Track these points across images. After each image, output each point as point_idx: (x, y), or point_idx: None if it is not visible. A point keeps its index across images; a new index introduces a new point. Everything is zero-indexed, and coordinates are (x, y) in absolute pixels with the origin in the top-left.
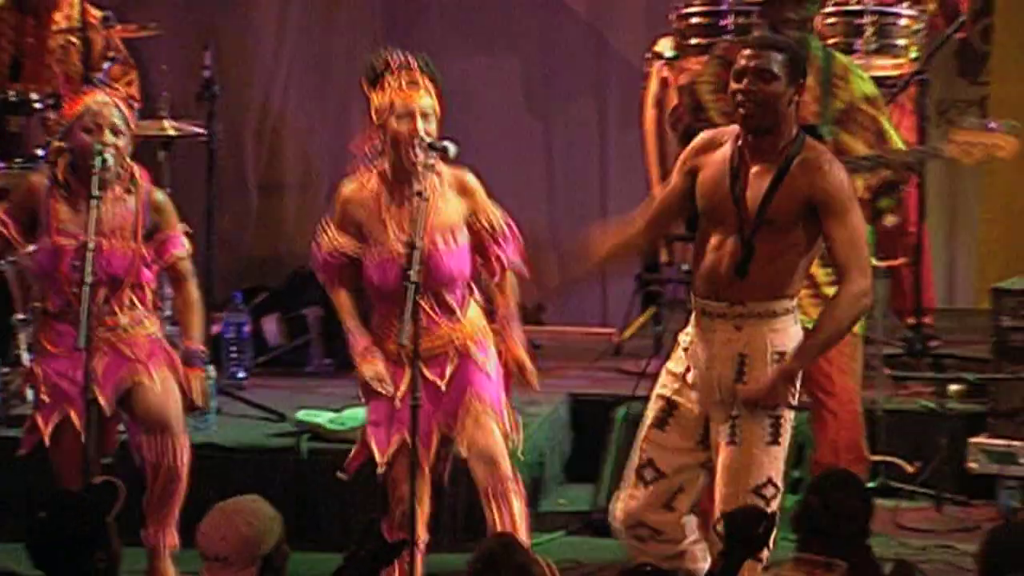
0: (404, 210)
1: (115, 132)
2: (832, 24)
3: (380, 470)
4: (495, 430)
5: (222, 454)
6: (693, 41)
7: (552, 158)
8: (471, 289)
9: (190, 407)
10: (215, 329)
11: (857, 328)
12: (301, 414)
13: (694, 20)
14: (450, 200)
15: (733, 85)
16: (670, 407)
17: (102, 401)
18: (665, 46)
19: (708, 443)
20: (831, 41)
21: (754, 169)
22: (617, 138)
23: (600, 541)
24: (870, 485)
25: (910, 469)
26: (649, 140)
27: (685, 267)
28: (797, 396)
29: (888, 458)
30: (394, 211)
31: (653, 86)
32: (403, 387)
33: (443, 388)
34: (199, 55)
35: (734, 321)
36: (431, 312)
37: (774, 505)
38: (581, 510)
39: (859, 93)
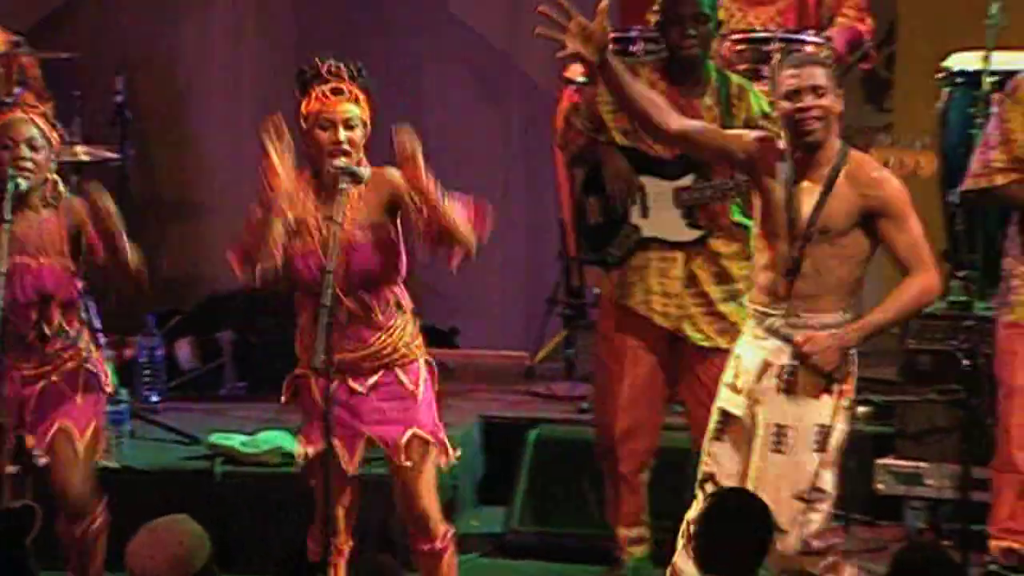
0: (329, 207)
1: (32, 147)
2: (740, 51)
3: (295, 468)
4: (427, 475)
5: (136, 477)
6: None
7: (462, 181)
8: (400, 302)
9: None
10: (128, 353)
11: (724, 343)
12: (214, 437)
13: None
14: (372, 199)
15: (786, 105)
16: (726, 418)
17: (30, 441)
18: (576, 72)
19: None
20: (740, 67)
21: (804, 184)
22: (526, 162)
23: (512, 563)
24: None
25: None
26: (560, 164)
27: (596, 291)
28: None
29: None
30: (321, 207)
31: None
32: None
33: (365, 393)
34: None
35: (788, 331)
36: (355, 320)
37: (822, 508)
38: (494, 532)
39: (756, 110)
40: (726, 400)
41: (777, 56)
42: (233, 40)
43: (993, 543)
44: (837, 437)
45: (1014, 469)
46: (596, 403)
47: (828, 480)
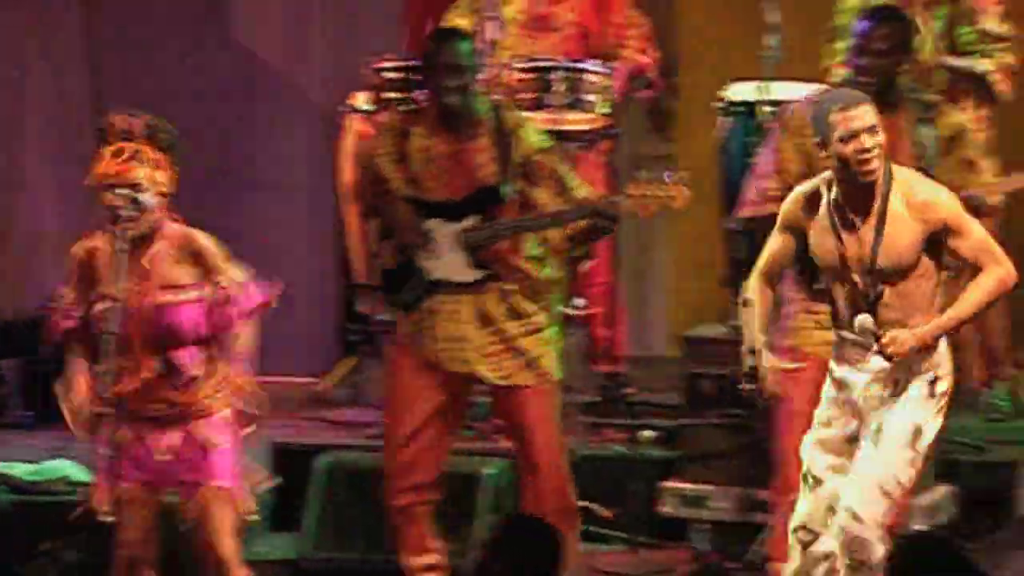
0: (131, 270)
1: None
2: (524, 80)
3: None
4: (225, 525)
5: None
6: (390, 95)
7: (250, 209)
8: (209, 353)
9: None
10: None
11: (557, 374)
12: None
13: (389, 75)
14: (177, 260)
15: (843, 148)
16: (826, 425)
17: None
18: (361, 100)
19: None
20: (523, 96)
21: (857, 219)
22: (308, 187)
23: None
24: None
25: (606, 514)
26: (348, 192)
27: (382, 318)
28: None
29: (584, 503)
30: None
31: (350, 140)
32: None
33: (166, 457)
34: None
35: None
36: (162, 377)
37: (895, 500)
38: (284, 558)
39: (533, 145)
40: (827, 413)
41: (562, 85)
42: (33, 65)
43: (775, 565)
44: (929, 434)
45: (793, 491)
46: (384, 435)
47: (911, 475)
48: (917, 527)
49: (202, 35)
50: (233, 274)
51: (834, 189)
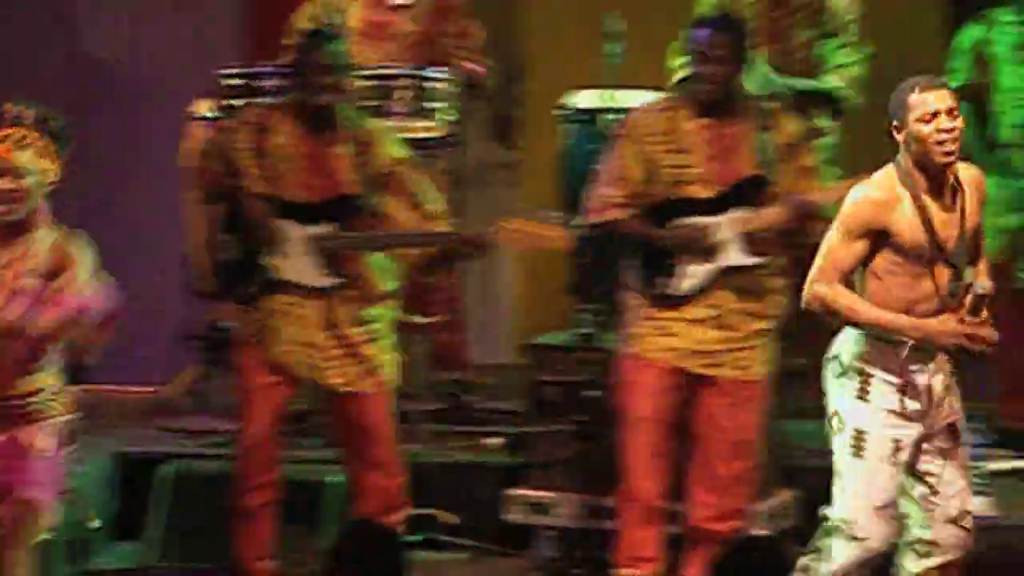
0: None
1: None
2: (368, 87)
3: None
4: (22, 540)
5: None
6: (233, 103)
7: (91, 213)
8: (51, 357)
9: None
10: None
11: (367, 387)
12: None
13: (233, 82)
14: (45, 254)
15: (923, 129)
16: (897, 443)
17: None
18: (204, 107)
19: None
20: (368, 103)
21: (937, 206)
22: (163, 196)
23: None
24: (413, 539)
25: (452, 521)
26: (194, 201)
27: (224, 325)
28: None
29: (430, 511)
30: None
31: (193, 147)
32: None
33: None
34: None
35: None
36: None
37: None
38: (128, 567)
39: (391, 155)
40: (896, 427)
41: (407, 93)
42: None
43: (620, 571)
44: None
45: (637, 498)
46: (237, 435)
47: None
48: (758, 532)
49: (45, 39)
50: (85, 285)
51: (910, 179)
